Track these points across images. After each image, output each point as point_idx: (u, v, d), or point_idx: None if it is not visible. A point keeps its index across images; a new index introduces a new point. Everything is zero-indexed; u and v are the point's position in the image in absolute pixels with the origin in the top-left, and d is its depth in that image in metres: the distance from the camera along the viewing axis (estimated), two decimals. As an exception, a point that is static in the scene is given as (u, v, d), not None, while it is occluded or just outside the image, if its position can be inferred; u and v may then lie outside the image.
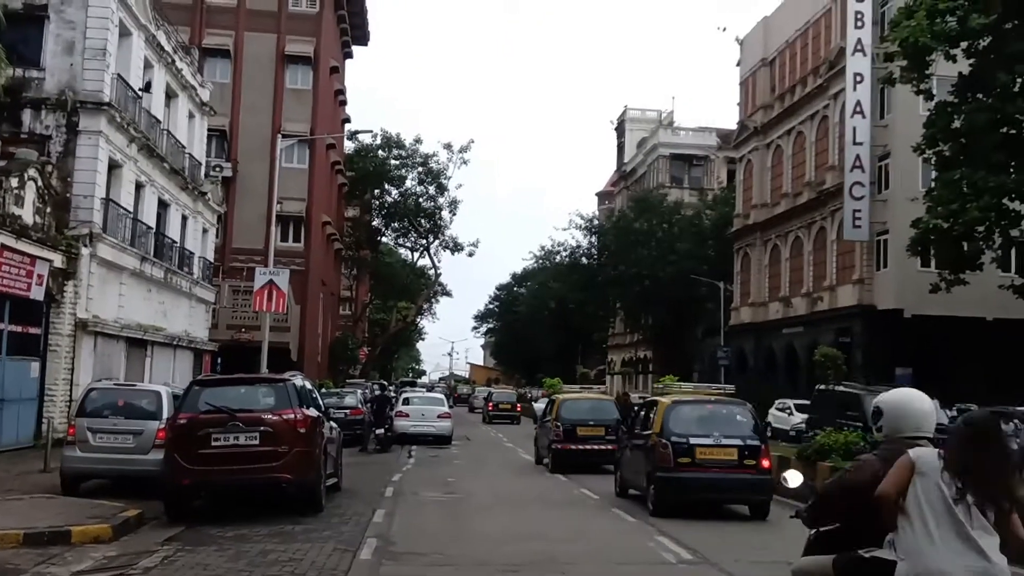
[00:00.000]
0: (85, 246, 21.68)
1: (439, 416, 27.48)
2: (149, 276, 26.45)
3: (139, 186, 26.13)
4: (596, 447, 18.82)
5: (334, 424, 14.77)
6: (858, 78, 34.29)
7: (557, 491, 16.24)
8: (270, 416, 11.65)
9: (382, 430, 24.20)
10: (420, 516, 12.52)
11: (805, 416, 32.84)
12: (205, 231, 33.80)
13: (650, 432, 13.43)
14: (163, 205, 28.68)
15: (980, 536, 3.85)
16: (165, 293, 28.28)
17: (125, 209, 24.57)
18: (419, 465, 20.50)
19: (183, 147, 30.25)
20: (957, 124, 25.36)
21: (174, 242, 29.62)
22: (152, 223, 27.29)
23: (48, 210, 20.44)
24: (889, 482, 3.99)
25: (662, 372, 53.57)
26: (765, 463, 13.09)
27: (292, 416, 11.73)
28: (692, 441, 12.85)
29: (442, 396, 32.09)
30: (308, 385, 13.71)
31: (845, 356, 31.38)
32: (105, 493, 13.01)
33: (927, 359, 32.58)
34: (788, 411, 34.19)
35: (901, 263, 33.45)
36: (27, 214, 19.31)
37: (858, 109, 34.27)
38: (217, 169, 36.44)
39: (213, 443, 11.36)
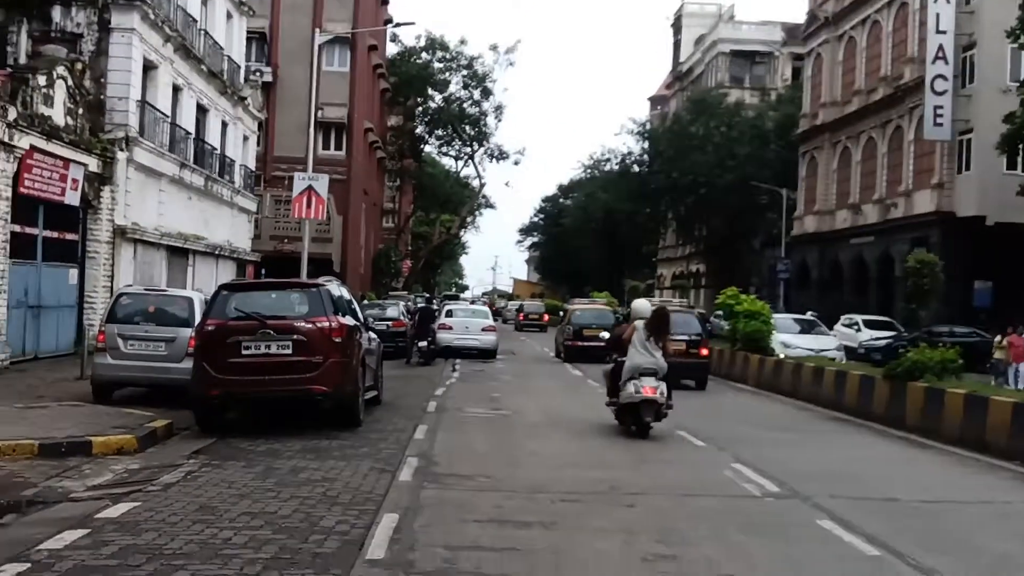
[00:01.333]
0: (121, 150, 20.89)
1: (483, 329, 26.64)
2: (189, 183, 25.72)
3: (176, 89, 25.17)
4: (596, 344, 21.97)
5: (374, 335, 13.88)
6: (943, -41, 31.32)
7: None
8: (303, 324, 10.79)
9: (425, 343, 23.42)
10: (465, 434, 11.67)
11: (874, 333, 31.53)
12: (246, 138, 32.88)
13: None
14: (202, 110, 27.74)
15: (653, 351, 11.69)
16: (206, 202, 27.60)
17: (162, 113, 23.69)
18: (463, 380, 19.71)
19: (221, 49, 29.09)
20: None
21: (214, 149, 28.78)
22: (191, 129, 26.42)
23: (81, 112, 19.58)
24: (627, 333, 12.08)
25: (716, 286, 52.02)
26: (704, 352, 20.00)
27: (327, 324, 10.85)
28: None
29: (486, 309, 31.24)
30: (345, 293, 12.78)
31: (943, 263, 28.67)
32: (138, 402, 12.47)
33: (1009, 271, 30.67)
34: (856, 327, 32.51)
35: (985, 165, 31.06)
36: (57, 115, 18.44)
37: (942, -7, 31.39)
38: (257, 74, 35.23)
39: (243, 352, 10.57)
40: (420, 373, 20.96)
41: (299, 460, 9.08)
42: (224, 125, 30.03)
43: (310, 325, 10.77)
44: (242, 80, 31.97)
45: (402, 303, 29.34)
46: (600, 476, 9.02)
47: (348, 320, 11.60)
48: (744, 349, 22.01)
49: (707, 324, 28.45)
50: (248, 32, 33.65)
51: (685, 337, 18.96)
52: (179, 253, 24.91)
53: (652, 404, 11.50)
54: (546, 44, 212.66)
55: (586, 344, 24.54)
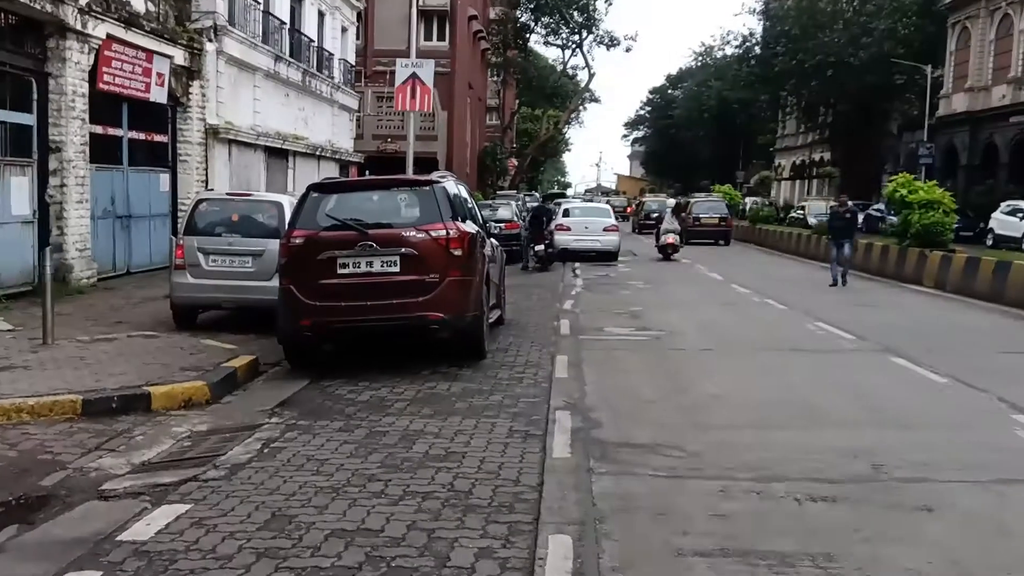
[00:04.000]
0: (210, 41, 19.04)
1: (605, 229, 24.21)
2: (285, 79, 23.88)
3: (267, -25, 23.07)
4: (711, 228, 34.01)
5: (495, 241, 11.73)
6: None
7: (782, 321, 12.89)
8: (414, 234, 8.62)
9: (542, 246, 21.23)
10: (619, 370, 9.28)
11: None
12: (344, 30, 30.68)
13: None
14: (296, -2, 25.61)
15: (674, 223, 25.90)
16: (305, 99, 25.79)
17: (254, 0, 21.65)
18: (590, 289, 17.45)
19: (314, -75, 26.69)
20: None
21: (311, 41, 26.74)
22: (285, 18, 24.40)
23: (163, -1, 17.69)
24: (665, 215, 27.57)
25: (844, 175, 47.82)
26: (729, 224, 34.43)
27: (444, 233, 8.65)
28: (700, 217, 34.34)
29: (607, 207, 28.54)
30: (463, 191, 10.52)
31: None
32: (226, 327, 10.76)
33: None
34: (1020, 214, 28.93)
35: None
36: (137, 0, 16.58)
37: None
38: (354, -39, 32.70)
39: (340, 271, 8.53)
40: (539, 281, 18.85)
41: (412, 418, 7.01)
42: (321, 15, 27.92)
43: (423, 235, 8.61)
44: (339, -34, 29.60)
45: (514, 202, 27.14)
46: (838, 441, 6.41)
47: (470, 227, 9.42)
48: (919, 245, 19.09)
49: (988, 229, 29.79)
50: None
51: (716, 215, 34.43)
52: (278, 154, 23.31)
53: (672, 246, 24.58)
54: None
55: (701, 228, 33.76)
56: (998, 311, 14.32)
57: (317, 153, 26.36)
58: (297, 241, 8.67)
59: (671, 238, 24.39)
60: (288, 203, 10.93)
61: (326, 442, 6.35)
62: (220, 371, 8.18)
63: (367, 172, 30.58)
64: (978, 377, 8.89)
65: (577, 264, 22.65)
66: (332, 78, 28.46)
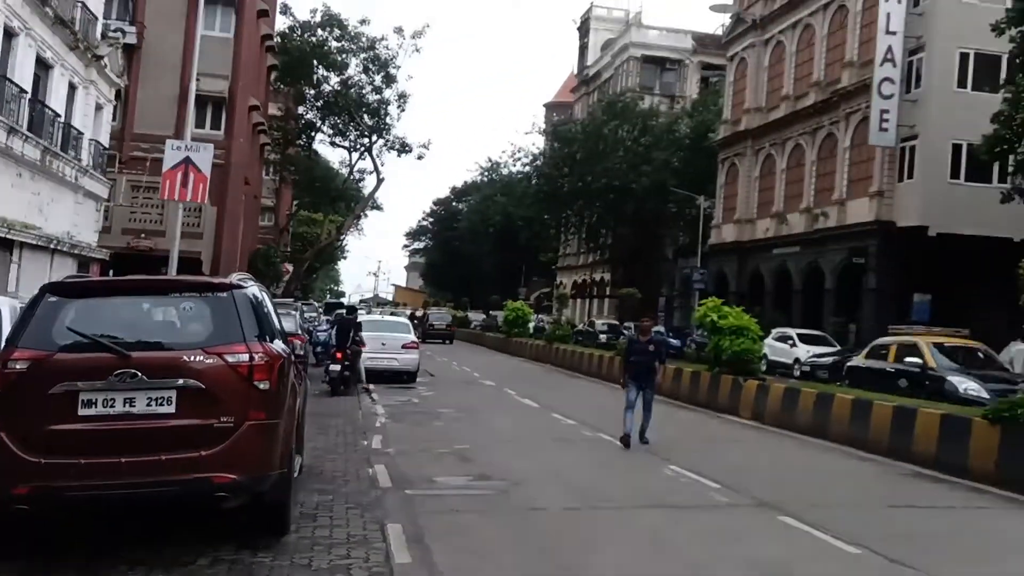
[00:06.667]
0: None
1: (404, 346, 21.58)
2: (20, 155, 19.83)
3: (9, 34, 19.38)
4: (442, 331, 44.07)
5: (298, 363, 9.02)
6: (896, -44, 29.21)
7: (634, 464, 11.06)
8: (202, 359, 5.97)
9: (338, 366, 18.15)
10: (478, 547, 6.87)
11: (810, 348, 28.93)
12: (99, 108, 26.81)
13: None
14: (43, 66, 21.80)
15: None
16: (42, 181, 21.63)
17: (-16, 60, 17.89)
18: (397, 419, 14.80)
19: (75, -8, 23.22)
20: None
21: (57, 116, 22.74)
22: (27, 86, 20.48)
23: None
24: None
25: (623, 296, 49.06)
26: (452, 328, 49.53)
27: (247, 358, 6.06)
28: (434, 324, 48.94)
29: (406, 321, 25.91)
30: (268, 300, 7.76)
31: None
32: None
33: (949, 283, 28.90)
34: (790, 342, 29.99)
35: (929, 173, 29.63)
36: None
37: (894, -8, 29.29)
38: (118, 32, 29.12)
39: (82, 411, 5.72)
40: (332, 408, 15.83)
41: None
42: (72, 88, 24.07)
43: (214, 360, 5.97)
44: (99, 37, 26.01)
45: (295, 312, 24.00)
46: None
47: (279, 348, 6.78)
48: (732, 372, 18.31)
49: (688, 339, 30.05)
50: (110, -18, 27.78)
51: (444, 323, 47.82)
52: (0, 245, 19.04)
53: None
54: (442, 42, 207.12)
55: (435, 331, 45.24)
56: (839, 451, 13.37)
57: (52, 246, 21.99)
58: (18, 366, 5.73)
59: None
60: (8, 309, 7.71)
61: None
62: None
63: (111, 272, 26.25)
64: (893, 546, 7.41)
65: (371, 385, 19.90)
66: (79, 160, 24.41)
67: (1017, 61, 23.34)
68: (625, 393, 12.73)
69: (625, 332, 34.52)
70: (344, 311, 22.33)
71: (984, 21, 24.32)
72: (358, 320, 20.06)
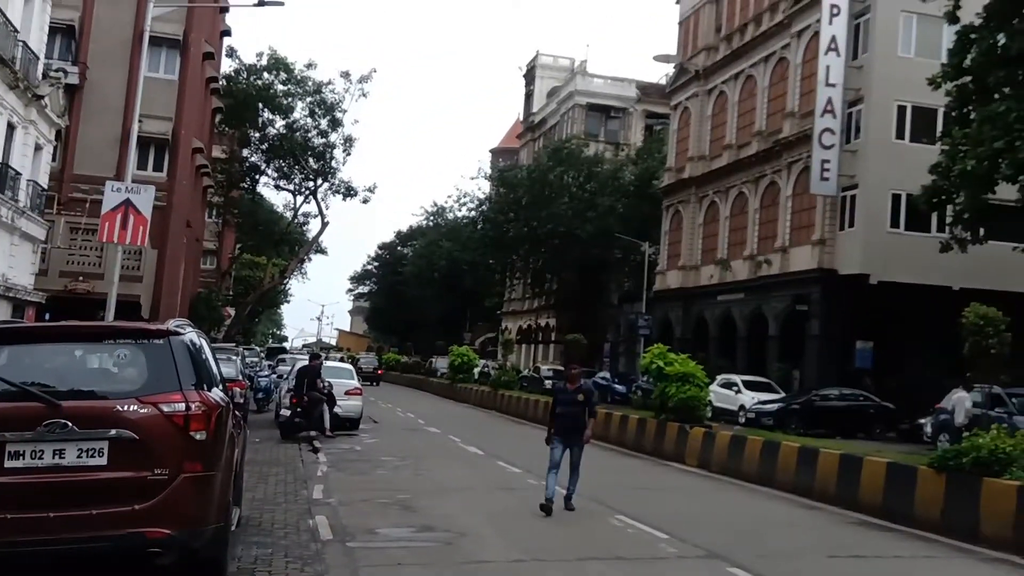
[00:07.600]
0: None
1: (347, 393, 21.07)
2: (-49, 194, 19.24)
3: (-59, 71, 18.86)
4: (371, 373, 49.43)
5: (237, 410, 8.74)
6: (835, 10, 30.40)
7: (580, 514, 10.89)
8: (136, 408, 5.74)
9: (287, 411, 17.68)
10: None
11: (754, 395, 29.18)
12: (38, 148, 26.20)
13: None
14: (-22, 104, 21.31)
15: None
16: (-25, 221, 21.03)
17: (-87, 95, 17.33)
18: (338, 467, 14.42)
19: (15, 31, 22.73)
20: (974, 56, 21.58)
21: (-8, 155, 22.25)
22: (-40, 125, 19.98)
23: None
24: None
25: (568, 342, 49.19)
26: (379, 371, 56.25)
27: (183, 407, 5.84)
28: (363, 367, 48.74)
29: (350, 367, 25.46)
30: (205, 344, 7.47)
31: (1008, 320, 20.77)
32: None
33: (890, 331, 29.62)
34: (735, 388, 30.24)
35: (869, 222, 30.45)
36: None
37: (832, 46, 30.37)
38: (60, 73, 28.58)
39: (7, 463, 5.49)
40: (273, 456, 15.41)
41: None
42: (11, 128, 23.49)
43: (148, 410, 5.74)
44: (39, 76, 25.49)
45: (235, 358, 23.46)
46: None
47: (217, 396, 6.56)
48: (677, 419, 18.31)
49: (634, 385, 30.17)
50: (53, 22, 27.23)
51: (372, 366, 54.54)
52: (-72, 286, 18.34)
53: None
54: (389, 86, 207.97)
55: (364, 372, 43.12)
56: (785, 499, 13.39)
57: (-14, 289, 21.37)
58: None
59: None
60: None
61: None
62: None
63: (47, 316, 25.43)
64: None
65: (312, 432, 19.45)
66: (16, 201, 23.73)
67: (953, 114, 24.17)
68: (550, 451, 11.07)
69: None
70: (308, 357, 21.88)
71: (921, 75, 25.08)
72: (321, 367, 19.58)
